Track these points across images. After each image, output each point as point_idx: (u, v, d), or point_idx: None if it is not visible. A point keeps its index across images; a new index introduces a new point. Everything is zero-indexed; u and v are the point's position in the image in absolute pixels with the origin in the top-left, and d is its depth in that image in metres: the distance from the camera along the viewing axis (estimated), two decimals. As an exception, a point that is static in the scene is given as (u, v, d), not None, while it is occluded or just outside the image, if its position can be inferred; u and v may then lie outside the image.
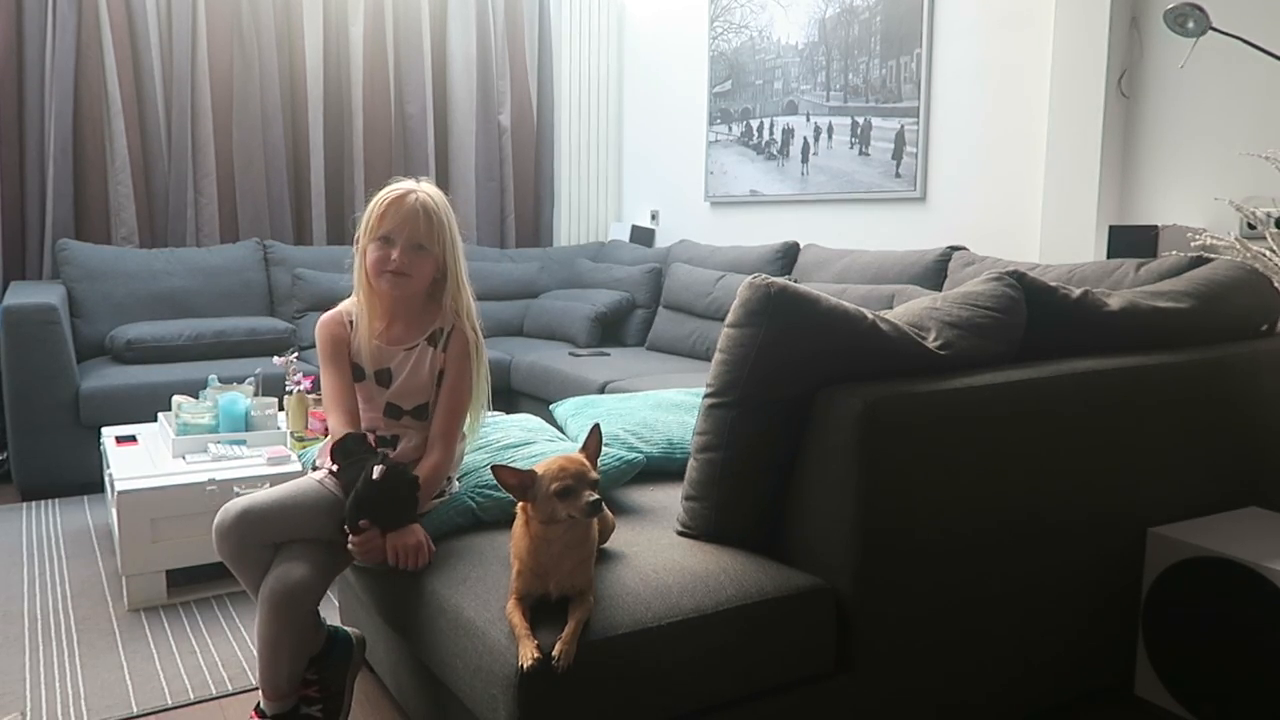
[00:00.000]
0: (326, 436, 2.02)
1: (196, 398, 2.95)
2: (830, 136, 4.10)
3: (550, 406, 2.50)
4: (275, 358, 3.21)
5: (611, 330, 4.50)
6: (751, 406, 1.64)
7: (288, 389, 2.98)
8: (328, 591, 1.75)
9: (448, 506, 1.80)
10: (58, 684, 2.11)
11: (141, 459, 2.76)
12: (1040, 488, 1.81)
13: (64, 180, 4.07)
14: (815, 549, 1.64)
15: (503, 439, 2.04)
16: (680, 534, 1.72)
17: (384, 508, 1.65)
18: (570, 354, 4.11)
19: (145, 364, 3.73)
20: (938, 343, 1.76)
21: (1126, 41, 3.00)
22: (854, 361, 1.66)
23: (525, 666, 1.32)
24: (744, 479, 1.68)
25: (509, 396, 4.14)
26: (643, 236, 5.18)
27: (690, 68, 4.87)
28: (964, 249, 3.34)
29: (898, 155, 3.80)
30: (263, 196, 4.53)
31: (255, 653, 1.70)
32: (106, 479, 2.93)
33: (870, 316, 1.69)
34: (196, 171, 4.39)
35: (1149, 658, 1.99)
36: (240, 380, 3.07)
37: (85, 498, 3.49)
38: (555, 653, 1.34)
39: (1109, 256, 2.88)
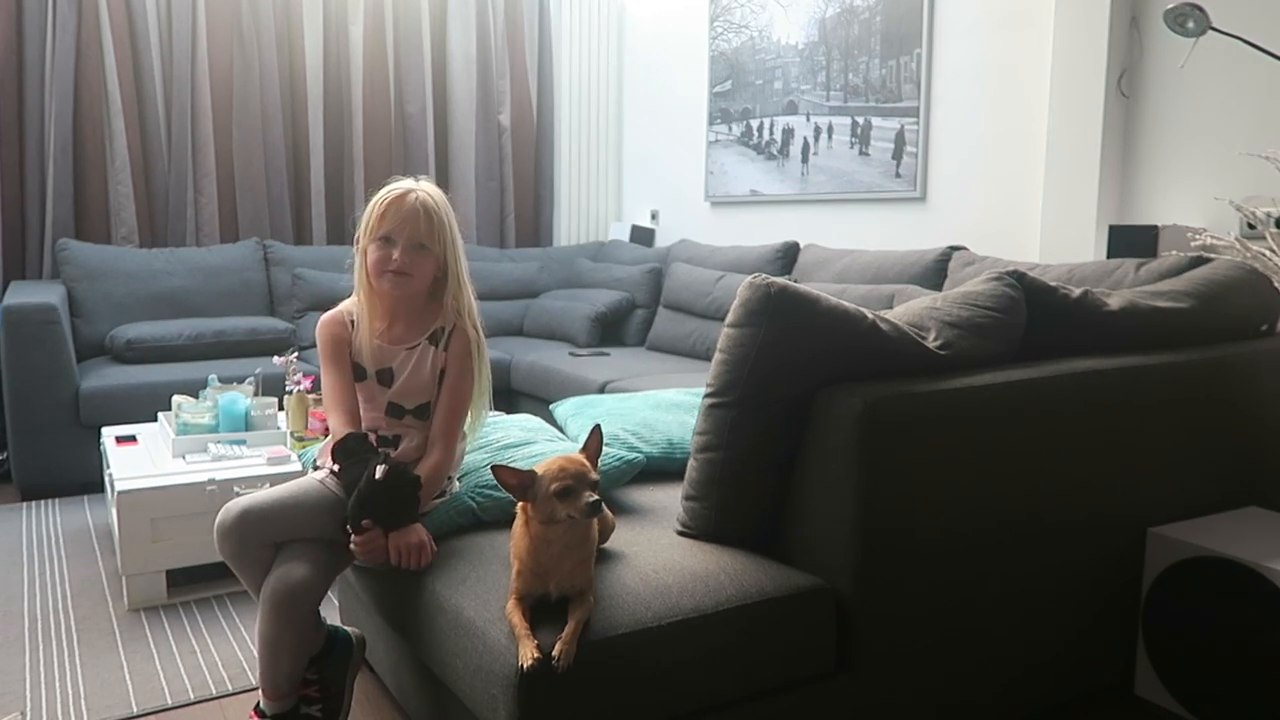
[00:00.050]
0: (326, 436, 2.02)
1: (196, 398, 2.95)
2: (830, 136, 4.10)
3: (550, 406, 2.50)
4: (275, 358, 3.21)
5: (611, 330, 4.50)
6: (751, 406, 1.64)
7: (288, 389, 2.98)
8: (328, 591, 1.75)
9: (448, 506, 1.80)
10: (58, 684, 2.11)
11: (141, 459, 2.76)
12: (1040, 488, 1.81)
13: (64, 180, 4.07)
14: (815, 549, 1.64)
15: (503, 439, 2.04)
16: (680, 534, 1.73)
17: (386, 507, 1.65)
18: (570, 354, 4.11)
19: (145, 364, 3.73)
20: (938, 343, 1.76)
21: (1126, 41, 3.00)
22: (854, 361, 1.66)
23: (525, 666, 1.32)
24: (744, 479, 1.68)
25: (509, 396, 4.14)
26: (643, 236, 5.18)
27: (690, 68, 4.87)
28: (964, 249, 3.34)
29: (898, 155, 3.80)
30: (263, 196, 4.53)
31: (255, 652, 1.70)
32: (106, 479, 2.93)
33: (870, 316, 1.69)
34: (196, 171, 4.39)
35: (1149, 657, 1.99)
36: (240, 380, 3.07)
37: (85, 498, 3.49)
38: (555, 653, 1.34)
39: (1109, 256, 2.88)
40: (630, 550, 1.63)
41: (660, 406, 2.31)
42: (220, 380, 3.05)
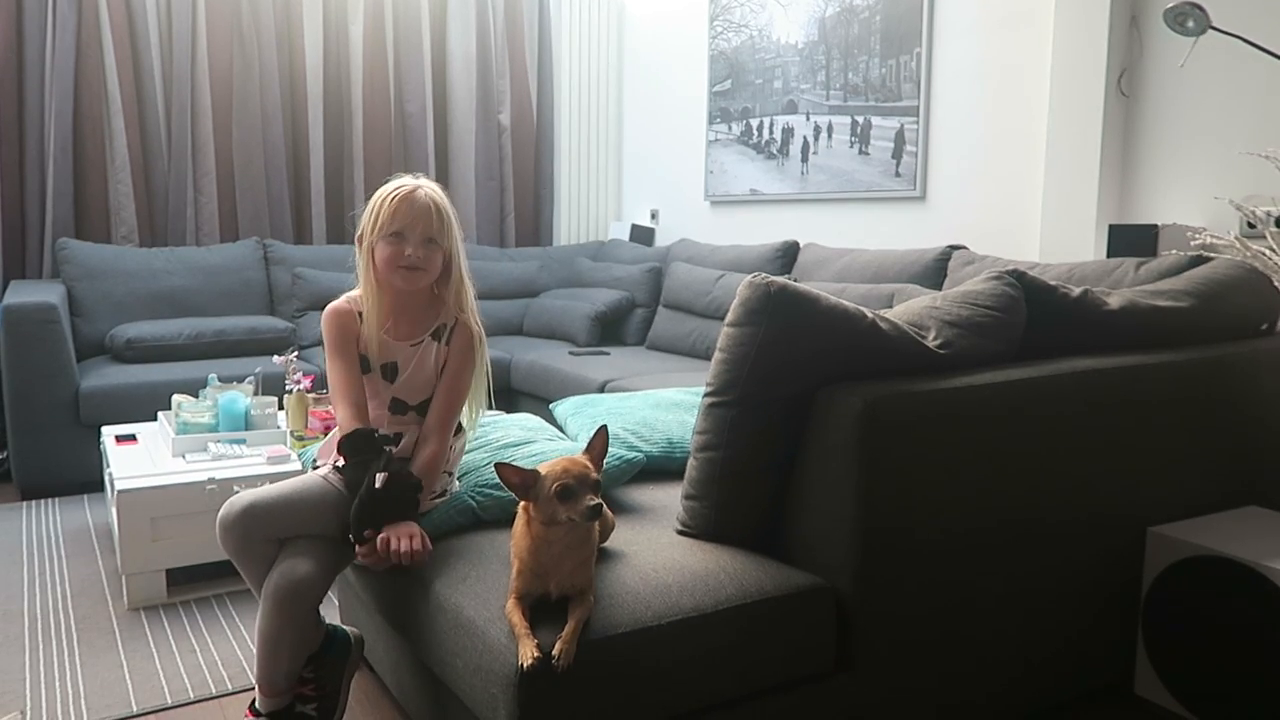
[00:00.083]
0: (326, 436, 2.02)
1: (196, 397, 2.95)
2: (830, 136, 4.10)
3: (550, 405, 2.50)
4: (275, 357, 3.21)
5: (611, 329, 4.50)
6: (751, 405, 1.64)
7: (287, 388, 2.98)
8: (329, 588, 1.75)
9: (448, 505, 1.80)
10: (57, 683, 2.11)
11: (141, 458, 2.76)
12: (1040, 487, 1.81)
13: (64, 179, 4.07)
14: (815, 548, 1.64)
15: (502, 438, 2.04)
16: (680, 533, 1.73)
17: (387, 515, 1.65)
18: (570, 353, 4.11)
19: (145, 363, 3.73)
20: (937, 342, 1.76)
21: (1126, 41, 3.00)
22: (854, 360, 1.66)
23: (525, 666, 1.32)
24: (744, 478, 1.68)
25: (509, 395, 4.14)
26: (642, 236, 5.18)
27: (690, 67, 4.87)
28: (964, 248, 3.34)
29: (897, 154, 3.80)
30: (262, 195, 4.53)
31: (255, 651, 1.70)
32: (106, 478, 2.93)
33: (870, 315, 1.69)
34: (196, 170, 4.39)
35: (1149, 657, 1.99)
36: (240, 379, 3.07)
37: (85, 497, 3.49)
38: (555, 652, 1.34)
39: (1109, 255, 2.88)
40: (630, 549, 1.63)
41: (660, 406, 2.31)
42: (220, 379, 3.05)
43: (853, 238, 3.99)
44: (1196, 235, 2.57)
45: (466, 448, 1.95)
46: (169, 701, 2.04)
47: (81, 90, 4.08)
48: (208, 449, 2.78)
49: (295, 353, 3.28)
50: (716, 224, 4.78)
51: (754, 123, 4.49)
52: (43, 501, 3.43)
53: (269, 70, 4.48)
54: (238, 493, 1.73)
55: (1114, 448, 1.90)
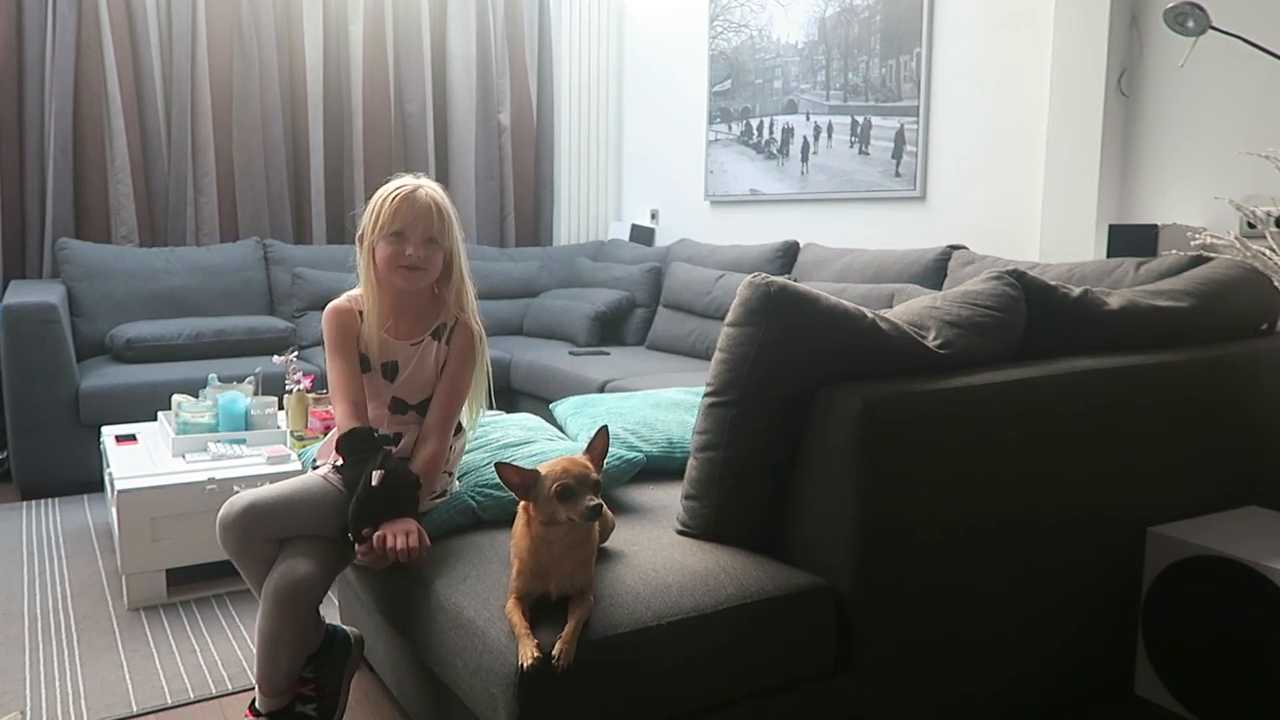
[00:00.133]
0: (326, 435, 2.02)
1: (196, 397, 2.95)
2: (830, 135, 4.10)
3: (550, 405, 2.50)
4: (275, 357, 3.21)
5: (611, 329, 4.50)
6: (751, 405, 1.64)
7: (287, 388, 2.98)
8: (329, 588, 1.75)
9: (448, 506, 1.80)
10: (57, 683, 2.11)
11: (141, 458, 2.76)
12: (1040, 487, 1.81)
13: (64, 179, 4.07)
14: (815, 548, 1.64)
15: (502, 438, 2.04)
16: (680, 533, 1.73)
17: (385, 513, 1.65)
18: (570, 353, 4.11)
19: (145, 363, 3.73)
20: (937, 342, 1.76)
21: (1126, 41, 3.00)
22: (854, 360, 1.66)
23: (525, 666, 1.32)
24: (744, 478, 1.68)
25: (509, 395, 4.14)
26: (642, 235, 5.18)
27: (690, 67, 4.87)
28: (964, 248, 3.34)
29: (897, 154, 3.80)
30: (262, 195, 4.53)
31: (255, 650, 1.70)
32: (106, 478, 2.93)
33: (870, 315, 1.69)
34: (196, 171, 4.39)
35: (1149, 657, 1.99)
36: (240, 379, 3.07)
37: (85, 497, 3.49)
38: (555, 652, 1.34)
39: (1109, 255, 2.88)
40: (630, 549, 1.63)
41: (660, 405, 2.31)
42: (220, 379, 3.05)
43: (853, 238, 3.99)
44: (1196, 235, 2.57)
45: (466, 448, 1.95)
46: (169, 701, 2.04)
47: (81, 90, 4.08)
48: (208, 449, 2.78)
49: (295, 353, 3.28)
50: (716, 224, 4.78)
51: (754, 123, 4.49)
52: (43, 501, 3.43)
53: (269, 70, 4.48)
54: (238, 493, 1.73)
55: (1114, 448, 1.90)
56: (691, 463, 1.73)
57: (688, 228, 4.94)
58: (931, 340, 1.76)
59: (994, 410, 1.72)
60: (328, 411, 2.80)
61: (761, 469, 1.68)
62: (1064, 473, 1.83)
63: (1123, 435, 1.90)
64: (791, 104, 4.29)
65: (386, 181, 1.83)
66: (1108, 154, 3.03)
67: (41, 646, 2.29)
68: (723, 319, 1.71)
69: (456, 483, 1.87)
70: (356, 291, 1.86)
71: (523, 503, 1.49)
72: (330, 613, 1.93)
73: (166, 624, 2.42)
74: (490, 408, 2.00)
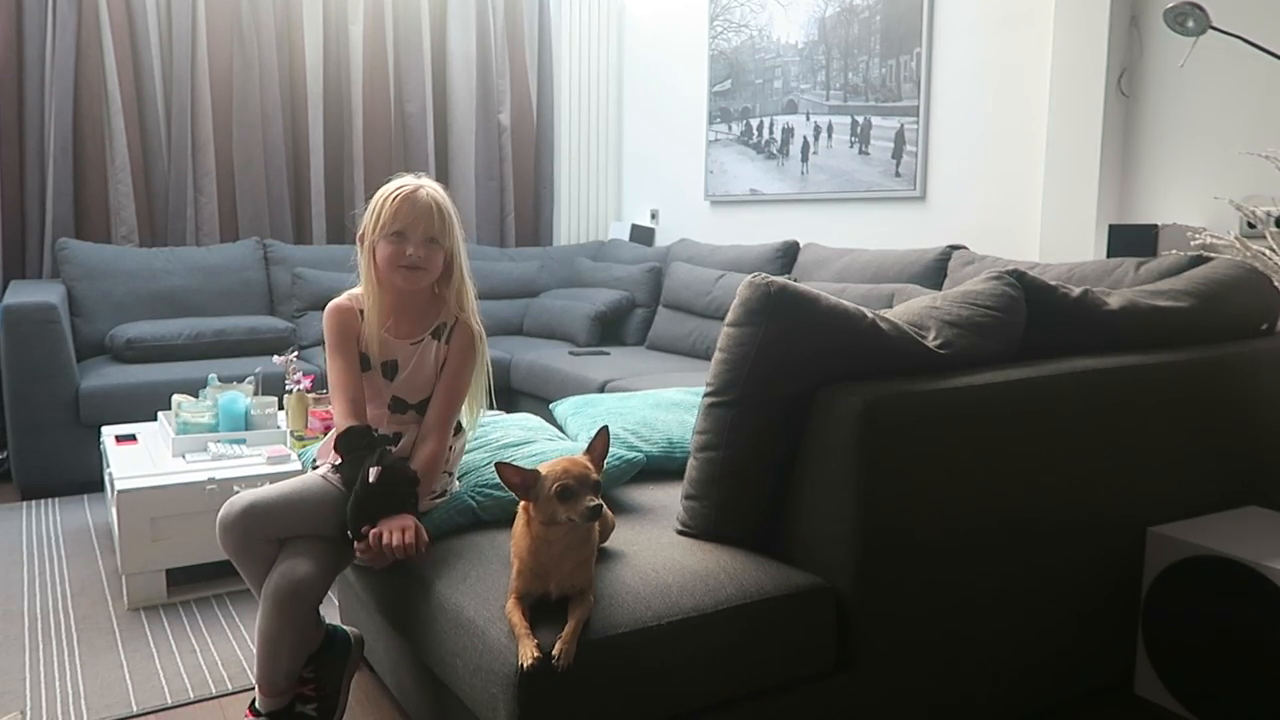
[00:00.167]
0: (325, 435, 2.02)
1: (196, 397, 2.95)
2: (830, 135, 4.10)
3: (550, 405, 2.50)
4: (275, 357, 3.21)
5: (611, 329, 4.50)
6: (751, 405, 1.64)
7: (287, 388, 2.98)
8: (329, 588, 1.75)
9: (448, 506, 1.80)
10: (57, 683, 2.11)
11: (141, 458, 2.76)
12: (1040, 487, 1.81)
13: (64, 179, 4.07)
14: (815, 548, 1.64)
15: (502, 438, 2.04)
16: (680, 533, 1.73)
17: (383, 509, 1.65)
18: (570, 353, 4.11)
19: (145, 363, 3.73)
20: (937, 342, 1.76)
21: (1126, 41, 3.00)
22: (854, 360, 1.66)
23: (525, 665, 1.32)
24: (744, 478, 1.68)
25: (509, 395, 4.14)
26: (642, 235, 5.18)
27: (690, 67, 4.87)
28: (964, 248, 3.34)
29: (897, 154, 3.80)
30: (262, 195, 4.53)
31: (255, 650, 1.70)
32: (106, 478, 2.93)
33: (870, 315, 1.69)
34: (196, 170, 4.39)
35: (1149, 657, 1.99)
36: (240, 379, 3.07)
37: (85, 497, 3.49)
38: (555, 652, 1.34)
39: (1109, 255, 2.88)
40: (630, 549, 1.63)
41: (660, 405, 2.31)
42: (220, 379, 3.05)
43: (853, 238, 3.99)
44: (1196, 235, 2.57)
45: (466, 448, 1.95)
46: (169, 701, 2.04)
47: (81, 90, 4.08)
48: (208, 449, 2.78)
49: (295, 353, 3.28)
50: (716, 224, 4.78)
51: (754, 123, 4.49)
52: (43, 501, 3.43)
53: (269, 70, 4.48)
54: (238, 493, 1.73)
55: (1114, 448, 1.90)
56: (691, 463, 1.73)
57: (688, 228, 4.94)
58: (931, 340, 1.76)
59: (994, 410, 1.72)
60: (328, 411, 2.80)
61: (761, 469, 1.68)
62: (1064, 473, 1.83)
63: (1123, 435, 1.90)
64: (791, 104, 4.29)
65: (387, 181, 1.83)
66: (1108, 154, 3.03)
67: (41, 646, 2.29)
68: (723, 319, 1.71)
69: (456, 483, 1.87)
70: (357, 290, 1.86)
71: (523, 503, 1.49)
72: (330, 613, 1.93)
73: (166, 624, 2.42)
74: (490, 408, 2.00)
